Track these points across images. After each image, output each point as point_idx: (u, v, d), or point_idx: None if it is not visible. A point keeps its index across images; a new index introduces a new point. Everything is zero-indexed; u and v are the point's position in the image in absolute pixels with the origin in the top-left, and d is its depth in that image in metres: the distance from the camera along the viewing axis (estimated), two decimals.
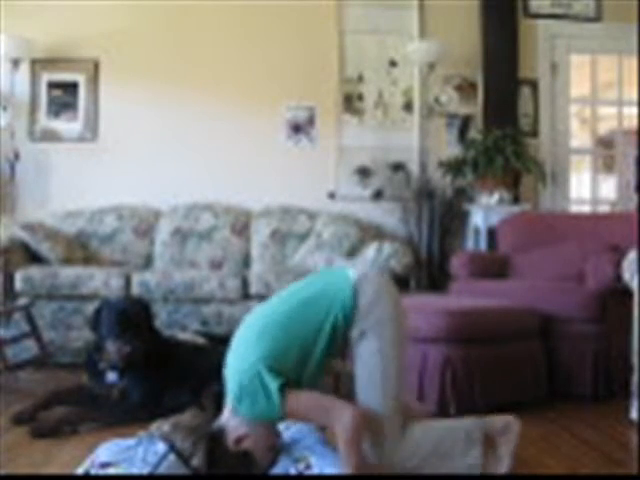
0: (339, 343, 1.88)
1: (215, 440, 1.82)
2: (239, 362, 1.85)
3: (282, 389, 1.76)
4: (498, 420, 2.00)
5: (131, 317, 2.74)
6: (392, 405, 1.85)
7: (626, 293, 2.85)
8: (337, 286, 1.91)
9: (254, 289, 3.86)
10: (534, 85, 5.01)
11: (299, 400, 1.80)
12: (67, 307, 3.82)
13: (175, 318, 3.83)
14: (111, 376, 2.72)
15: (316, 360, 1.86)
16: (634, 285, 2.77)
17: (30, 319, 3.38)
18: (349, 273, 1.94)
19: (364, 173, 4.85)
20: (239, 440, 1.82)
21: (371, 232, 4.54)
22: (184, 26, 4.77)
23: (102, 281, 3.82)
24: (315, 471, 1.78)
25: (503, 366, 2.95)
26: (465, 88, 4.95)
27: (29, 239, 4.11)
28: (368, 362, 1.86)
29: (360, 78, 4.90)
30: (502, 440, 1.95)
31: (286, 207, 4.61)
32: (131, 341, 2.68)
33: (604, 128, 5.74)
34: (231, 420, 1.85)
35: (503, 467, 1.92)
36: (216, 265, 4.38)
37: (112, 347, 2.69)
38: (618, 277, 3.00)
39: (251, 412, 1.80)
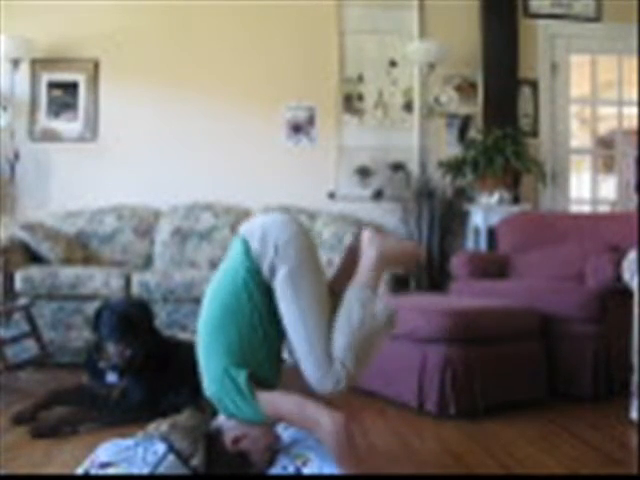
0: (267, 301, 1.85)
1: (212, 440, 1.82)
2: (208, 371, 1.87)
3: (250, 379, 1.78)
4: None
5: (132, 320, 2.73)
6: (316, 331, 1.81)
7: (626, 293, 2.85)
8: (232, 251, 1.92)
9: None
10: (534, 85, 5.02)
11: (276, 401, 1.80)
12: (67, 307, 3.82)
13: (175, 318, 3.83)
14: (111, 376, 2.71)
15: (263, 333, 1.84)
16: (634, 285, 2.77)
17: (30, 319, 3.38)
18: (240, 234, 1.93)
19: (364, 173, 4.85)
20: (236, 440, 1.82)
21: None
22: (184, 26, 4.77)
23: (102, 281, 3.82)
24: (314, 467, 1.78)
25: (503, 366, 2.95)
26: (465, 88, 4.95)
27: (29, 239, 4.10)
28: (284, 289, 1.82)
29: (360, 78, 4.90)
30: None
31: (286, 207, 4.61)
32: (132, 344, 2.68)
33: (604, 128, 5.75)
34: (229, 421, 1.85)
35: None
36: (216, 265, 4.36)
37: (113, 349, 2.69)
38: (618, 277, 3.00)
39: (234, 411, 1.82)
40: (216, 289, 1.93)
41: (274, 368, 1.92)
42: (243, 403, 1.79)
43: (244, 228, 1.96)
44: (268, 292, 1.85)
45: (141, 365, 2.72)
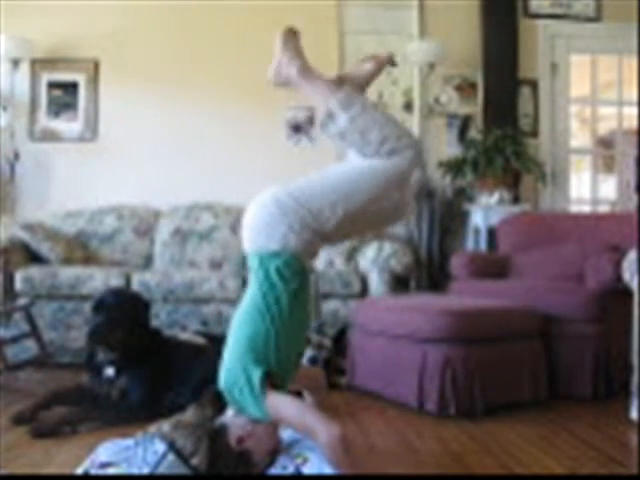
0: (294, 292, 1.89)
1: (216, 438, 1.82)
2: (227, 362, 1.91)
3: (263, 379, 1.80)
4: None
5: (121, 300, 2.81)
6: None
7: (626, 293, 2.85)
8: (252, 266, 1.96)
9: None
10: (534, 85, 5.01)
11: (279, 404, 1.81)
12: (67, 307, 3.82)
13: (175, 318, 3.83)
14: (109, 371, 2.72)
15: (288, 333, 1.88)
16: (634, 285, 2.77)
17: (30, 319, 3.37)
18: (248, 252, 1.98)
19: None
20: (241, 440, 1.82)
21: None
22: (184, 26, 4.77)
23: (102, 281, 3.82)
24: (314, 466, 1.78)
25: (503, 366, 2.95)
26: (465, 88, 4.95)
27: (29, 239, 4.11)
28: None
29: None
30: None
31: None
32: (115, 321, 2.72)
33: (604, 128, 5.74)
34: (235, 419, 1.85)
35: None
36: (216, 265, 4.38)
37: (94, 320, 2.74)
38: (618, 277, 3.00)
39: (240, 404, 1.84)
40: (248, 290, 1.97)
41: (292, 369, 1.94)
42: (251, 400, 1.81)
43: (246, 244, 1.99)
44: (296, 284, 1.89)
45: (138, 360, 2.73)
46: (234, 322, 1.96)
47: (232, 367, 1.86)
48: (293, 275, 1.89)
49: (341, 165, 2.11)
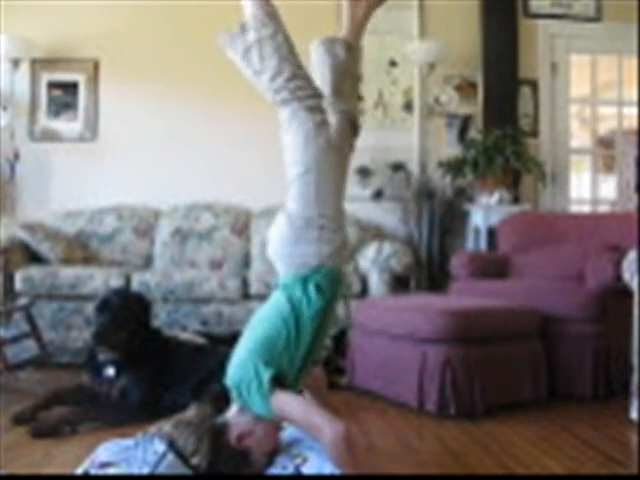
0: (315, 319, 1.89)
1: (216, 435, 1.82)
2: (238, 356, 1.90)
3: (273, 380, 1.79)
4: None
5: (126, 299, 2.83)
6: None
7: (626, 293, 2.85)
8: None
9: (254, 289, 3.86)
10: (534, 85, 5.01)
11: (284, 402, 1.81)
12: (67, 307, 3.82)
13: (175, 318, 3.83)
14: (109, 370, 2.73)
15: (304, 350, 1.88)
16: (634, 285, 2.77)
17: (30, 319, 3.37)
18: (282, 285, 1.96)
19: (364, 173, 4.85)
20: (241, 438, 1.82)
21: (371, 232, 4.54)
22: (184, 26, 4.76)
23: (102, 281, 3.82)
24: (313, 466, 1.78)
25: (503, 366, 2.95)
26: (465, 88, 4.95)
27: (29, 239, 4.11)
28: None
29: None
30: None
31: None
32: (119, 320, 2.73)
33: (604, 128, 5.75)
34: (237, 417, 1.85)
35: None
36: (216, 265, 4.38)
37: (98, 320, 2.75)
38: (618, 277, 3.00)
39: (246, 398, 1.83)
40: (274, 296, 1.98)
41: (304, 376, 1.94)
42: (258, 397, 1.80)
43: (282, 270, 1.98)
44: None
45: (138, 360, 2.73)
46: (255, 317, 1.95)
47: (244, 361, 1.85)
48: (330, 285, 1.89)
49: (290, 167, 2.16)
